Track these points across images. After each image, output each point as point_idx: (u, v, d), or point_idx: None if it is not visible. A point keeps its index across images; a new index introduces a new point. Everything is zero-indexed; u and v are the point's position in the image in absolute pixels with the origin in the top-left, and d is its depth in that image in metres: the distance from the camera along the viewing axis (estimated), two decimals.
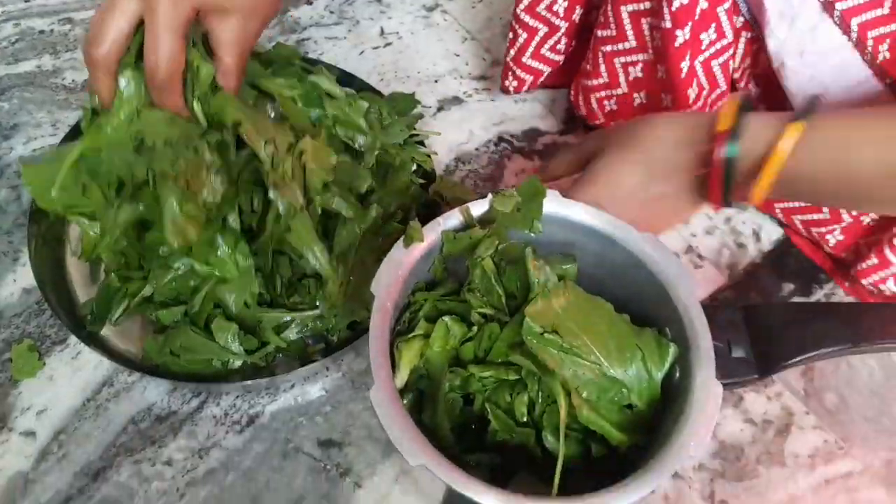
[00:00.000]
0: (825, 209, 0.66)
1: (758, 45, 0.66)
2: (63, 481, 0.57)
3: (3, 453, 0.58)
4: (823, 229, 0.68)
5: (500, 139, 0.79)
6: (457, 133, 0.79)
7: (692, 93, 0.66)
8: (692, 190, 0.53)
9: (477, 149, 0.78)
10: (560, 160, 0.62)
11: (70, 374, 0.62)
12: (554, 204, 0.54)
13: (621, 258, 0.53)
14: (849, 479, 0.60)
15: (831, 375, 0.65)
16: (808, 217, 0.68)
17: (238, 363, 0.59)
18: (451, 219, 0.53)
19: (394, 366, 0.48)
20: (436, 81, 0.84)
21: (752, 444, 0.61)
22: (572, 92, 0.77)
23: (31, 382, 0.61)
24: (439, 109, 0.81)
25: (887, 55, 0.58)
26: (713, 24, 0.62)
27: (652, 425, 0.49)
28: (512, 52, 0.75)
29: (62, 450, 0.58)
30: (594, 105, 0.74)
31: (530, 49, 0.74)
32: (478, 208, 0.54)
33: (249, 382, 0.58)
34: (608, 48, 0.69)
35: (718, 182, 0.50)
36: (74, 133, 0.68)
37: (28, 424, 0.59)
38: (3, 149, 0.75)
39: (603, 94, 0.73)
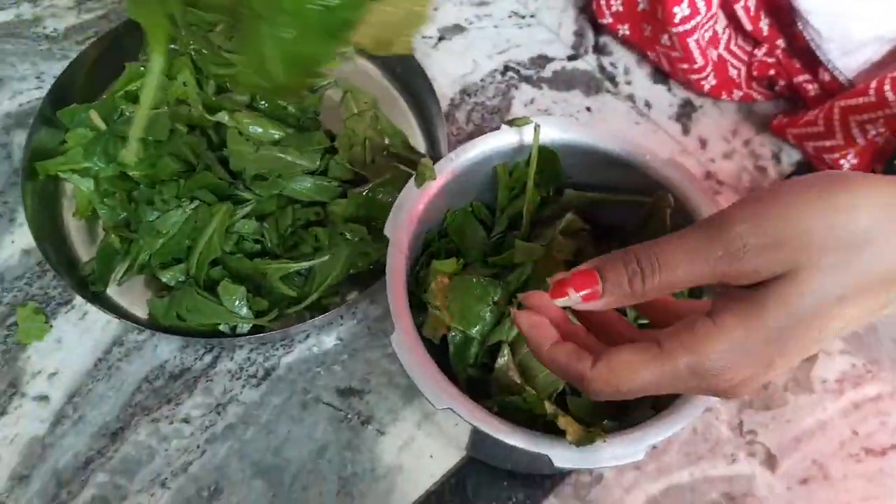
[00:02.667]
0: (838, 135, 0.63)
1: None
2: (81, 443, 0.56)
3: (18, 419, 0.57)
4: (836, 154, 0.65)
5: (507, 68, 0.75)
6: (460, 64, 0.75)
7: (678, 11, 0.64)
8: None
9: (482, 79, 0.75)
10: (672, 255, 0.32)
11: (79, 336, 0.60)
12: (571, 132, 0.52)
13: (642, 184, 0.50)
14: (878, 401, 0.59)
15: None
16: (821, 143, 0.65)
17: (247, 328, 0.57)
18: (463, 154, 0.51)
19: (413, 308, 0.46)
20: (435, 9, 0.79)
21: None
22: None
23: (40, 346, 0.60)
24: (440, 39, 0.77)
25: None
26: None
27: None
28: None
29: (77, 412, 0.57)
30: (602, 2, 0.74)
31: None
32: (494, 140, 0.52)
33: (263, 335, 0.56)
34: None
35: None
36: (61, 85, 0.65)
37: (40, 388, 0.58)
38: None
39: None
